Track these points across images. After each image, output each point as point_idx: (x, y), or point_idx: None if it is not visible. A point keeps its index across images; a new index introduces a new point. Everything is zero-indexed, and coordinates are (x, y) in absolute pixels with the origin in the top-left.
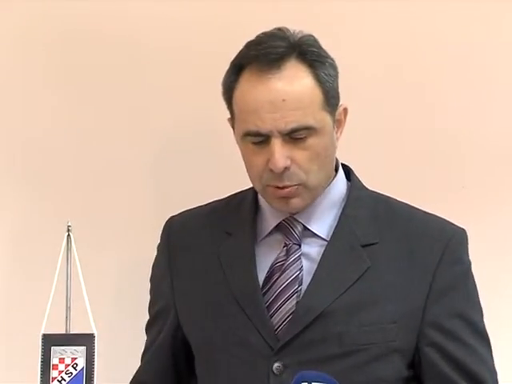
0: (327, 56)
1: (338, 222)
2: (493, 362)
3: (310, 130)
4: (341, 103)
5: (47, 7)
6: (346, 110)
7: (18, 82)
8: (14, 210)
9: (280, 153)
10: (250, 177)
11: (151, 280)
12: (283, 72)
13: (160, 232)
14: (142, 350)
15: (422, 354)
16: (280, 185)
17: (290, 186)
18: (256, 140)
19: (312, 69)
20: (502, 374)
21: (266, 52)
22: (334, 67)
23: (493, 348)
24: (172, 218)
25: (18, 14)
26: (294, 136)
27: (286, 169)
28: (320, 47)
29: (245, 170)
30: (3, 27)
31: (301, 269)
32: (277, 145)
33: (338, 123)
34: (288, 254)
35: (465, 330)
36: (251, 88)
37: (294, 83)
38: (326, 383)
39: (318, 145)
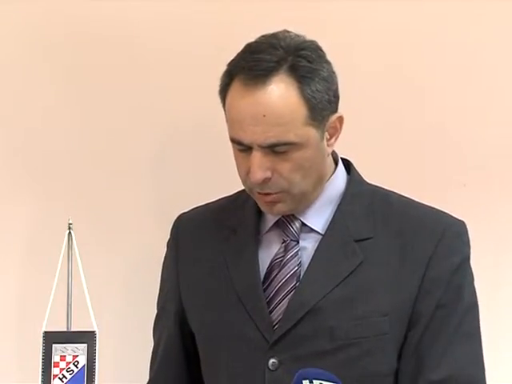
0: (321, 69)
1: (333, 217)
2: (472, 357)
3: (291, 145)
4: (337, 112)
5: (49, 8)
6: (341, 118)
7: (21, 81)
8: (15, 207)
9: (258, 165)
10: (239, 177)
11: (161, 275)
12: (268, 87)
13: (161, 229)
14: (152, 349)
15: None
16: (262, 192)
17: (272, 194)
18: (240, 148)
19: (299, 84)
20: (503, 373)
21: (255, 65)
22: (327, 80)
23: (492, 345)
24: (182, 214)
25: (20, 14)
26: (274, 150)
27: (266, 179)
28: (317, 58)
29: None
30: (6, 28)
31: (299, 265)
32: (256, 157)
33: (332, 130)
34: (286, 250)
35: (447, 322)
36: (237, 98)
37: (276, 99)
38: (327, 380)
39: (301, 157)
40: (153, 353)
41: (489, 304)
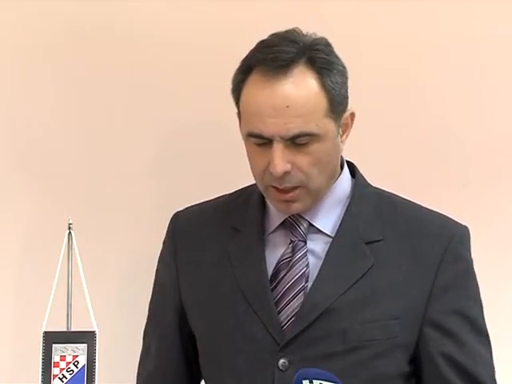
0: (337, 62)
1: (343, 219)
2: (491, 358)
3: (312, 137)
4: (349, 108)
5: (49, 8)
6: (353, 114)
7: (21, 81)
8: (16, 207)
9: (280, 157)
10: (253, 175)
11: (155, 274)
12: (289, 78)
13: (161, 229)
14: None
15: (421, 351)
16: (280, 186)
17: (291, 188)
18: (259, 142)
19: (319, 75)
20: (503, 374)
21: (275, 56)
22: (342, 73)
23: (493, 347)
24: (178, 212)
25: (20, 12)
26: (296, 141)
27: (286, 173)
28: (330, 52)
29: (249, 165)
30: (6, 26)
31: (307, 265)
32: (278, 149)
33: (345, 127)
34: (294, 250)
35: (463, 327)
36: (257, 91)
37: (298, 90)
38: (327, 380)
39: (320, 150)
40: (144, 353)
41: (489, 304)
